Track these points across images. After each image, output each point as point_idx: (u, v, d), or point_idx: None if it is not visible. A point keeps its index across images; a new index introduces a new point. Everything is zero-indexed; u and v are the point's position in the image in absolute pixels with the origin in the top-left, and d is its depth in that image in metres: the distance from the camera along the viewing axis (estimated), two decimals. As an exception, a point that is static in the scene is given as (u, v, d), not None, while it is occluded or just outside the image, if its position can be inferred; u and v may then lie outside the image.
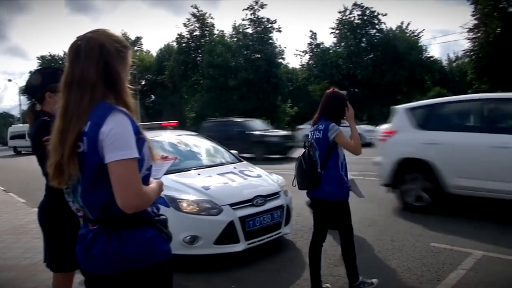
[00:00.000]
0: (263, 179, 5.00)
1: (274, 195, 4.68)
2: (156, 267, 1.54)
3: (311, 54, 42.07)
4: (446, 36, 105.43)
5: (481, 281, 3.64)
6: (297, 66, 49.62)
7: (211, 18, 49.02)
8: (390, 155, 6.64)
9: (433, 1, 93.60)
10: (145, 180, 1.54)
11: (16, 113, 67.89)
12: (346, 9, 38.44)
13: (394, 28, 37.49)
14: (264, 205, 4.46)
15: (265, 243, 4.45)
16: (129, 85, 1.58)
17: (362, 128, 20.22)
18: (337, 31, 39.13)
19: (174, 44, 48.71)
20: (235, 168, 5.21)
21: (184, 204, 4.16)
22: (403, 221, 5.76)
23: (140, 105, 39.28)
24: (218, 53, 39.98)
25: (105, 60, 1.48)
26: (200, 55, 44.95)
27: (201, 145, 6.00)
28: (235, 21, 52.30)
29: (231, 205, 4.26)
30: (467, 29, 28.88)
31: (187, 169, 4.96)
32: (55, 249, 2.66)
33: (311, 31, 49.22)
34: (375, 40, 37.34)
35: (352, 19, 38.26)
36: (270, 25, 41.08)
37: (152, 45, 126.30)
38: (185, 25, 46.28)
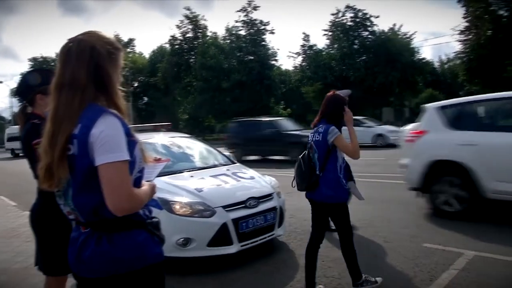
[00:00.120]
0: (256, 181, 5.00)
1: (267, 197, 4.68)
2: (148, 270, 1.53)
3: (304, 56, 42.20)
4: (438, 38, 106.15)
5: (473, 281, 3.66)
6: (290, 68, 49.78)
7: (204, 20, 49.09)
8: (419, 157, 6.17)
9: (425, 3, 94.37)
10: (137, 183, 1.53)
11: (7, 115, 67.24)
12: (338, 11, 38.60)
13: (386, 30, 37.69)
14: (257, 207, 4.46)
15: (258, 244, 4.45)
16: (120, 87, 1.57)
17: (385, 128, 19.79)
18: (330, 33, 39.24)
19: (167, 46, 48.69)
20: (228, 170, 5.20)
21: (177, 206, 4.15)
22: (396, 221, 5.78)
23: (132, 107, 39.17)
24: (211, 55, 40.01)
25: (96, 62, 1.48)
26: (193, 57, 44.94)
27: (194, 147, 6.00)
28: (228, 23, 52.33)
29: (224, 207, 4.25)
30: (459, 31, 29.20)
31: (180, 171, 4.95)
32: (47, 252, 2.64)
33: (304, 33, 49.32)
34: (368, 42, 37.50)
35: (345, 21, 38.40)
36: (263, 27, 41.22)
37: (145, 47, 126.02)
38: (178, 27, 46.31)
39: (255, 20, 41.17)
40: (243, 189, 4.68)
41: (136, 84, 51.28)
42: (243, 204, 4.39)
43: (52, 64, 51.65)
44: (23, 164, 2.58)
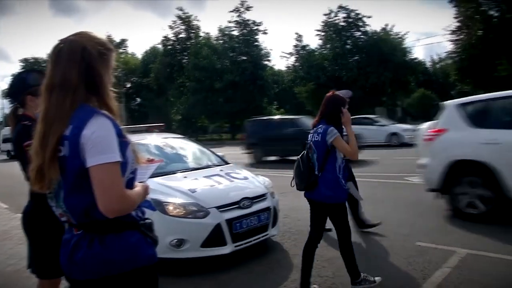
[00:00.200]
0: (250, 181, 5.00)
1: (261, 197, 4.68)
2: (141, 272, 1.53)
3: (297, 56, 42.30)
4: (430, 38, 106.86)
5: (466, 278, 3.69)
6: (283, 68, 49.89)
7: (197, 20, 48.99)
8: (439, 156, 5.89)
9: (417, 3, 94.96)
10: (130, 184, 1.53)
11: (-1, 117, 66.60)
12: (331, 12, 38.73)
13: (378, 30, 37.88)
14: (251, 207, 4.46)
15: (252, 245, 4.45)
16: (112, 88, 1.56)
17: (400, 127, 19.35)
18: (323, 33, 39.37)
19: (160, 46, 48.59)
20: (221, 170, 5.20)
21: (171, 207, 4.14)
22: (390, 220, 5.80)
23: (125, 108, 38.98)
24: (204, 56, 39.98)
25: (88, 63, 1.47)
26: (186, 58, 44.89)
27: (187, 148, 5.98)
28: (220, 24, 52.26)
29: (218, 207, 4.25)
30: (450, 31, 29.44)
31: (173, 172, 4.93)
32: (40, 255, 2.62)
33: (296, 33, 49.45)
34: (360, 42, 37.68)
35: (337, 21, 38.53)
36: (256, 27, 41.29)
37: (138, 47, 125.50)
38: (170, 27, 46.25)
39: (248, 20, 41.26)
40: (237, 189, 4.67)
41: (128, 85, 51.12)
42: (236, 204, 4.38)
43: (44, 65, 51.26)
44: (18, 165, 2.55)
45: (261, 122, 16.41)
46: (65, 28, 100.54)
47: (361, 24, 38.07)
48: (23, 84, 2.68)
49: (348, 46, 38.11)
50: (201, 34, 45.43)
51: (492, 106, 5.93)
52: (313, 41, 77.55)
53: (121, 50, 52.68)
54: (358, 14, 37.93)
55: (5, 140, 31.34)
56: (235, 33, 41.91)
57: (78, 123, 1.40)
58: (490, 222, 5.43)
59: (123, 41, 55.92)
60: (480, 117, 5.78)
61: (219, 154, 6.10)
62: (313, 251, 3.57)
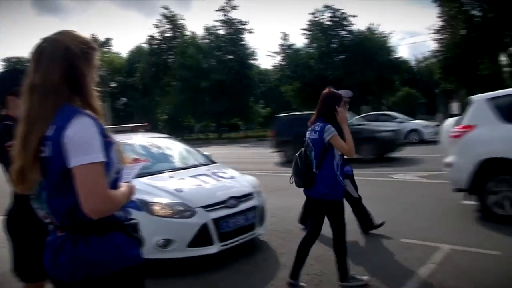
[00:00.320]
0: (236, 180, 5.00)
1: (248, 196, 4.68)
2: (127, 273, 1.51)
3: (283, 55, 42.34)
4: (414, 37, 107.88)
5: (451, 274, 3.75)
6: (270, 67, 49.94)
7: (183, 19, 48.73)
8: (467, 154, 5.51)
9: (401, 3, 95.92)
10: (115, 184, 1.51)
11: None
12: (317, 11, 38.86)
13: (364, 29, 38.16)
14: (238, 207, 4.46)
15: (240, 244, 4.44)
16: (96, 88, 1.55)
17: (420, 123, 18.62)
18: (309, 32, 39.48)
19: (145, 45, 48.18)
20: (208, 170, 5.18)
21: (157, 207, 4.11)
22: (375, 217, 5.84)
23: (110, 107, 38.59)
24: (190, 55, 39.78)
25: (70, 62, 1.45)
26: (172, 57, 44.59)
27: (174, 148, 5.95)
28: (207, 24, 52.05)
29: (205, 207, 4.24)
30: (434, 31, 29.79)
31: (160, 172, 4.90)
32: (24, 258, 2.58)
33: (282, 32, 49.56)
34: (346, 41, 37.89)
35: (323, 20, 38.68)
36: (242, 26, 41.21)
37: (123, 46, 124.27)
38: (156, 26, 45.87)
39: (234, 19, 41.17)
40: (223, 188, 4.67)
41: (114, 85, 50.53)
42: (223, 204, 4.37)
43: (27, 64, 50.34)
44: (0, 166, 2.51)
45: (294, 118, 14.61)
46: (50, 27, 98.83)
47: (346, 23, 38.29)
48: (5, 84, 2.63)
49: (334, 45, 38.26)
50: (187, 33, 45.18)
51: None
52: (299, 40, 78.01)
53: (105, 49, 52.09)
54: (343, 13, 38.15)
55: None
56: (221, 32, 41.80)
57: (61, 123, 1.38)
58: (472, 217, 5.51)
59: (108, 40, 55.31)
60: None
61: (206, 153, 6.08)
62: (309, 248, 3.61)
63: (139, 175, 3.72)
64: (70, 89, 1.46)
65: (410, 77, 45.92)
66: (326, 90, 3.65)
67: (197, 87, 39.11)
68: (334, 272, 3.65)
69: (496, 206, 5.31)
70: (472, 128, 5.56)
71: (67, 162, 1.36)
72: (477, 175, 5.37)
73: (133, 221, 1.59)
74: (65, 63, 1.44)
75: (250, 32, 41.93)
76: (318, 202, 3.55)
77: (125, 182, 1.62)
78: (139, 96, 47.83)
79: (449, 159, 5.79)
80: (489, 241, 4.51)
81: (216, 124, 44.17)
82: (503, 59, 27.31)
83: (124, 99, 53.04)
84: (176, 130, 41.37)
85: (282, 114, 16.11)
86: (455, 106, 23.60)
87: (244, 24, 41.26)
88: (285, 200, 7.09)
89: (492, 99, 5.56)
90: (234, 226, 4.36)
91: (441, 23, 29.26)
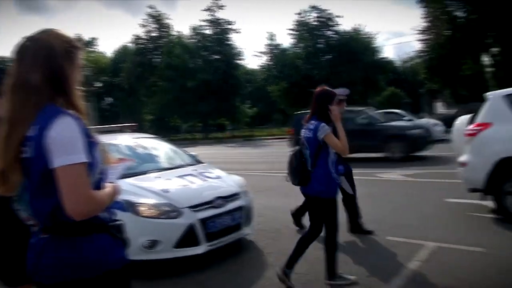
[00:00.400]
0: (223, 180, 4.99)
1: (234, 196, 4.68)
2: (112, 275, 1.49)
3: (270, 55, 42.40)
4: (399, 37, 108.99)
5: (436, 271, 3.79)
6: (256, 67, 49.95)
7: (169, 19, 48.44)
8: (483, 153, 5.29)
9: (386, 4, 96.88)
10: (99, 185, 1.49)
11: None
12: (303, 11, 39.01)
13: (349, 30, 38.43)
14: (225, 206, 4.44)
15: (227, 244, 4.44)
16: (79, 87, 1.52)
17: (428, 121, 17.69)
18: (296, 32, 39.61)
19: (131, 45, 47.75)
20: (194, 170, 5.16)
21: (143, 208, 4.08)
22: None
23: (96, 107, 38.18)
24: (177, 54, 39.59)
25: (54, 62, 1.43)
26: (158, 57, 44.31)
27: (160, 148, 5.90)
28: (193, 23, 51.86)
29: (191, 207, 4.22)
30: (419, 31, 30.17)
31: (146, 173, 4.86)
32: (7, 262, 2.53)
33: (269, 32, 49.63)
34: (332, 42, 38.12)
35: (310, 20, 38.84)
36: (228, 26, 41.16)
37: (108, 46, 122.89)
38: (142, 25, 45.51)
39: (221, 19, 41.09)
40: (210, 188, 4.65)
41: (99, 84, 49.98)
42: (210, 204, 4.36)
43: (9, 64, 49.51)
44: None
45: None
46: (34, 26, 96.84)
47: (332, 23, 38.51)
48: None
49: (320, 45, 38.48)
50: (173, 33, 44.94)
51: None
52: (286, 40, 78.16)
53: (91, 49, 51.51)
54: (330, 13, 38.37)
55: None
56: (208, 32, 41.67)
57: (43, 123, 1.36)
58: (456, 215, 5.59)
59: (93, 39, 54.73)
60: None
61: (192, 153, 6.05)
62: (307, 244, 3.63)
63: (125, 176, 3.69)
64: (53, 89, 1.43)
65: (395, 77, 46.38)
66: (319, 88, 3.66)
67: (183, 87, 38.96)
68: (322, 271, 3.66)
69: None
70: (488, 126, 5.33)
71: (49, 163, 1.34)
72: (493, 175, 5.16)
73: (118, 222, 1.57)
74: (48, 63, 1.42)
75: (237, 32, 42.02)
76: (314, 200, 3.59)
77: (110, 182, 1.60)
78: (125, 96, 47.45)
79: (463, 158, 5.56)
80: (474, 238, 4.57)
81: (203, 124, 44.03)
82: (485, 59, 27.78)
83: (110, 99, 52.54)
84: (162, 130, 41.08)
85: (300, 112, 14.76)
86: (439, 106, 23.91)
87: (231, 24, 41.28)
88: (273, 200, 7.10)
89: (509, 95, 5.36)
90: (221, 226, 4.35)
91: (425, 24, 29.66)
